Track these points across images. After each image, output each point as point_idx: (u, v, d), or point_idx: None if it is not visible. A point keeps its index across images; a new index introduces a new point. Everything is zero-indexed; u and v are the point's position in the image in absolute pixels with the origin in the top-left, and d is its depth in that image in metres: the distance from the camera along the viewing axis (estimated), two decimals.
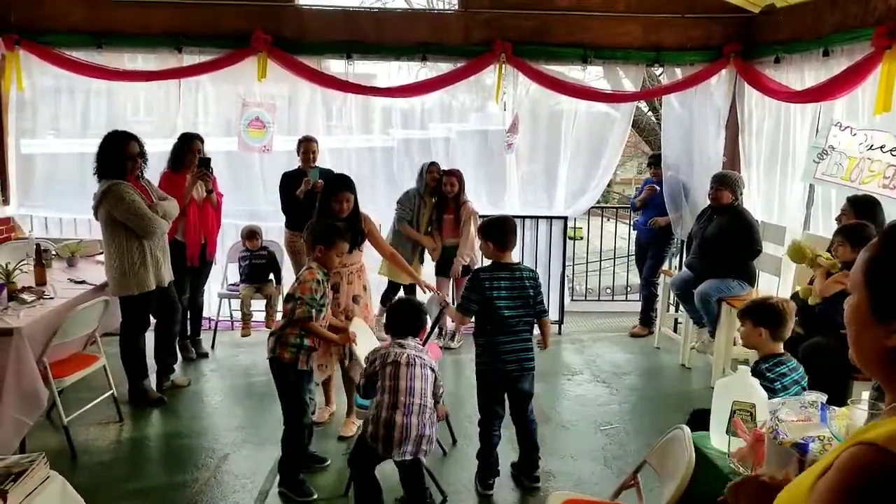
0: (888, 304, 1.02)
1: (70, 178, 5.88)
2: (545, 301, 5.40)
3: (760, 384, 2.27)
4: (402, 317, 3.32)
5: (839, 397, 2.65)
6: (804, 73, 5.09)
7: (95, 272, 4.64)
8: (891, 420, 1.00)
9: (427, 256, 5.85)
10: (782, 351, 2.84)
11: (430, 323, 4.11)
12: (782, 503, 1.10)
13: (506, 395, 3.59)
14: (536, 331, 3.63)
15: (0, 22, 5.56)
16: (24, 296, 3.90)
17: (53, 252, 4.94)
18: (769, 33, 5.59)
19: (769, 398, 2.15)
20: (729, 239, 4.92)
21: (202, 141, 5.08)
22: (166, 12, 5.66)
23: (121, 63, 5.75)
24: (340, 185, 4.09)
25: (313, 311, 3.35)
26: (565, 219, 6.34)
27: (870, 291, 1.04)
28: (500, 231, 3.50)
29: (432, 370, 3.21)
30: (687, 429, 2.33)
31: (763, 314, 2.83)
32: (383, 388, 3.09)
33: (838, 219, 4.31)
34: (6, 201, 5.88)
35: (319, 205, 4.16)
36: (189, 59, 5.72)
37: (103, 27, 5.62)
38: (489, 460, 3.59)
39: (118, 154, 4.18)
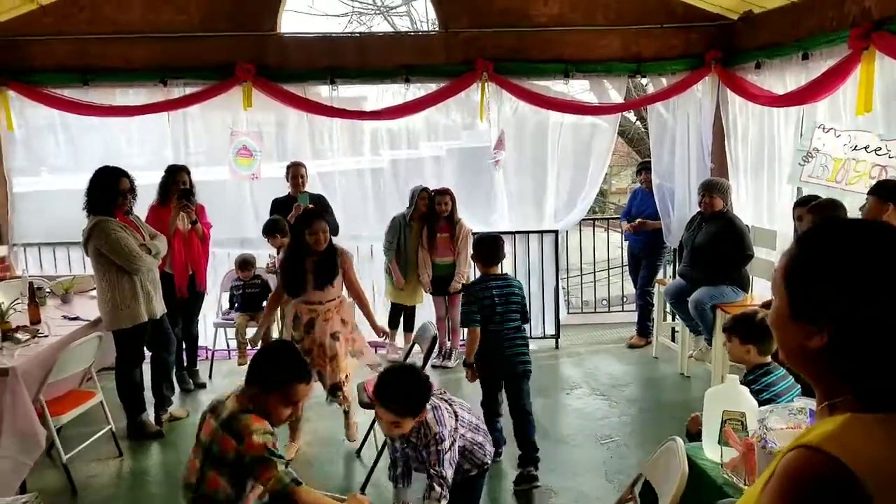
0: (805, 306, 1.03)
1: (64, 215, 5.88)
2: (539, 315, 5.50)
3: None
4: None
5: None
6: (785, 78, 5.13)
7: (89, 308, 4.65)
8: (826, 421, 1.01)
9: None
10: (769, 360, 2.84)
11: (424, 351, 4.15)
12: None
13: (504, 395, 3.91)
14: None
15: None
16: (19, 335, 3.91)
17: (47, 290, 4.95)
18: (749, 39, 5.65)
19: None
20: (720, 245, 4.95)
21: (188, 172, 5.11)
22: (150, 47, 5.71)
23: (109, 99, 5.79)
24: (314, 216, 4.10)
25: (288, 471, 2.39)
26: (556, 233, 6.37)
27: (788, 294, 1.06)
28: (486, 248, 3.91)
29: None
30: (680, 440, 2.34)
31: (750, 330, 2.83)
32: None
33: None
34: (0, 240, 5.89)
35: (292, 239, 4.14)
36: (175, 91, 5.76)
37: (89, 63, 5.67)
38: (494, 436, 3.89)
39: (107, 190, 4.21)
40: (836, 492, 0.92)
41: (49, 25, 5.63)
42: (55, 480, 3.91)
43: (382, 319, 6.08)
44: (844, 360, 1.01)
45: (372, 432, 4.27)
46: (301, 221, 4.12)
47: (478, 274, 4.22)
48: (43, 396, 3.74)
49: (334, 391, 4.08)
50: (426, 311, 5.98)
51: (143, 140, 6.10)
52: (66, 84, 5.70)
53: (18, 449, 3.50)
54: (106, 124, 5.96)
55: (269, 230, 5.32)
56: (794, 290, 1.05)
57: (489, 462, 2.94)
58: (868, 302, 0.99)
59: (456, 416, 2.78)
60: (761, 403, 2.50)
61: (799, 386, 2.79)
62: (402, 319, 5.92)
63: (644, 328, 6.31)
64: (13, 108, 5.78)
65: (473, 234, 5.80)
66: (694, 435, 2.60)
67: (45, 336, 4.05)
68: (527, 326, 6.08)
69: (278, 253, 5.45)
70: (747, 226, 5.20)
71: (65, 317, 4.50)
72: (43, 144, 6.02)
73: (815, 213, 4.05)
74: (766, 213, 5.54)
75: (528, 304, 5.78)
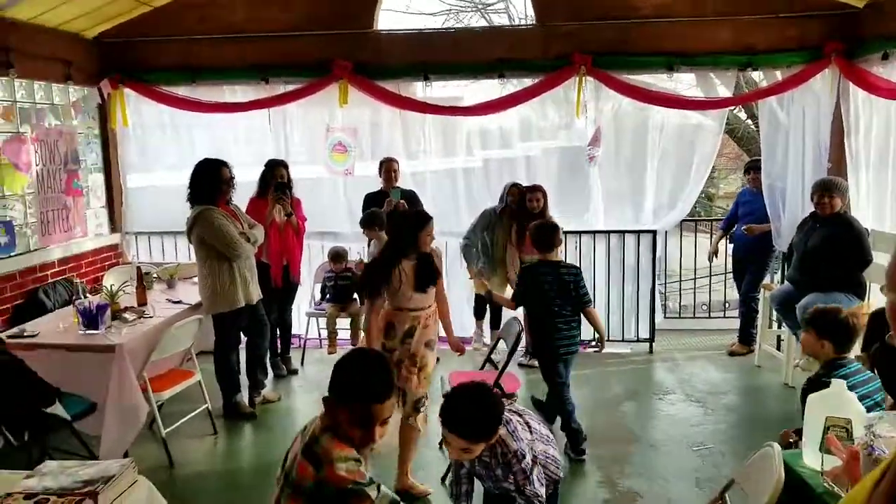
0: None
1: (173, 207, 6.20)
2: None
3: None
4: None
5: None
6: None
7: (191, 293, 4.90)
8: None
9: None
10: (845, 356, 2.73)
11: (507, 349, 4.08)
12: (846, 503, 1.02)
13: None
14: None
15: (105, 66, 6.04)
16: (126, 315, 4.18)
17: (154, 275, 5.26)
18: (875, 28, 5.19)
19: None
20: (835, 249, 4.59)
21: (286, 167, 5.29)
22: (252, 46, 5.94)
23: (215, 97, 6.08)
24: (424, 214, 3.82)
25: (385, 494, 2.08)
26: (654, 233, 6.11)
27: None
28: (538, 236, 4.17)
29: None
30: (777, 446, 2.18)
31: (827, 326, 2.76)
32: None
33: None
34: (115, 229, 6.33)
35: (393, 238, 3.81)
36: (276, 89, 5.98)
37: (195, 62, 5.98)
38: (572, 427, 4.09)
39: (208, 181, 4.42)
40: None
41: (160, 27, 5.99)
42: (155, 453, 4.14)
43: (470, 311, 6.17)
44: None
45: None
46: (409, 219, 3.77)
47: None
48: (146, 373, 3.98)
49: (417, 407, 3.65)
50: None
51: (247, 139, 6.35)
52: (175, 82, 6.05)
53: (122, 420, 3.75)
54: (212, 124, 6.26)
55: (368, 223, 5.38)
56: None
57: (562, 476, 2.76)
58: None
59: (529, 428, 2.60)
60: None
61: (878, 380, 2.69)
62: (488, 313, 5.87)
63: (747, 335, 5.95)
64: (129, 106, 6.18)
65: (564, 232, 5.70)
66: (785, 448, 2.44)
67: (151, 317, 4.32)
68: (619, 329, 6.13)
69: (369, 245, 5.55)
70: (866, 229, 4.80)
71: (169, 300, 4.77)
72: (155, 142, 6.40)
73: None
74: (890, 215, 5.08)
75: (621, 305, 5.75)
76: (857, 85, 5.28)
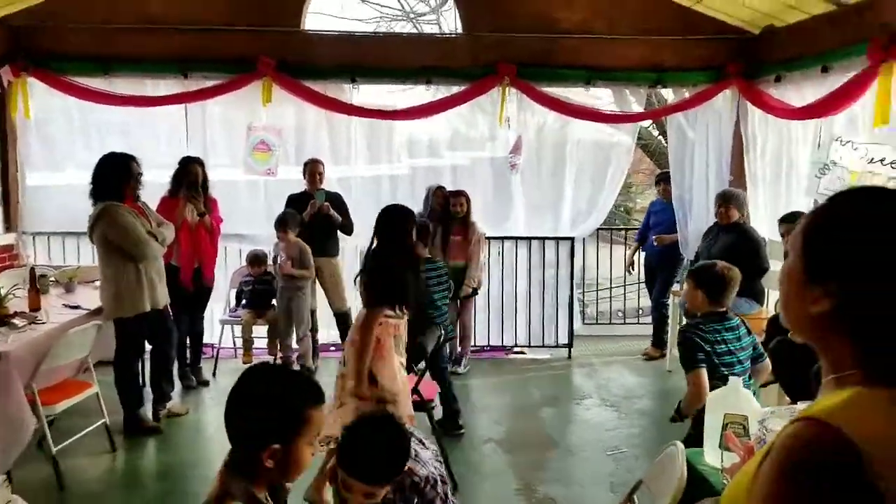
0: (820, 266, 0.99)
1: (76, 207, 5.86)
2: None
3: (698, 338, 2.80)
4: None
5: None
6: (804, 91, 5.05)
7: (92, 298, 4.60)
8: (832, 394, 0.97)
9: None
10: (724, 311, 3.01)
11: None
12: (730, 489, 1.06)
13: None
14: None
15: (8, 52, 5.64)
16: (16, 321, 3.87)
17: (52, 278, 4.93)
18: (770, 53, 5.56)
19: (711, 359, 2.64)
20: (735, 257, 4.73)
21: (202, 165, 5.09)
22: (172, 38, 5.69)
23: (130, 90, 5.77)
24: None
25: None
26: (572, 240, 6.25)
27: (805, 252, 1.02)
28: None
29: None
30: (681, 445, 2.22)
31: (703, 276, 3.03)
32: None
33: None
34: (9, 229, 5.91)
35: (392, 244, 3.32)
36: (195, 84, 5.75)
37: (110, 52, 5.68)
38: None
39: (115, 175, 4.19)
40: (838, 466, 0.86)
41: (72, 13, 5.64)
42: (43, 473, 3.78)
43: None
44: (849, 327, 0.96)
45: None
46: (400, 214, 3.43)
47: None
48: (35, 384, 3.66)
49: None
50: None
51: (166, 139, 6.07)
52: (86, 73, 5.70)
53: (5, 436, 3.42)
54: (126, 122, 5.96)
55: (281, 223, 5.26)
56: (808, 249, 1.01)
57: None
58: (874, 266, 0.94)
59: (422, 443, 2.40)
60: (716, 355, 2.86)
61: (755, 340, 3.06)
62: None
63: (659, 339, 6.17)
64: (33, 98, 5.77)
65: (486, 238, 5.76)
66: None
67: (43, 323, 4.00)
68: (539, 334, 6.20)
69: (275, 248, 5.40)
70: (764, 238, 5.09)
71: (66, 305, 4.46)
72: (61, 138, 6.02)
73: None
74: None
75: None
76: (754, 104, 5.63)
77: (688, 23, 5.83)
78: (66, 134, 6.02)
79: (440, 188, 5.71)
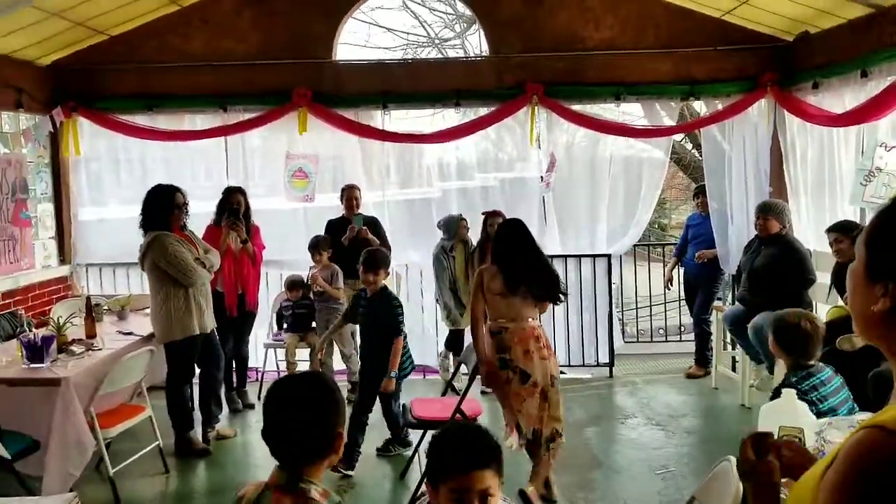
0: (880, 266, 1.03)
1: (127, 241, 6.05)
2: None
3: (799, 398, 2.15)
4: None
5: None
6: (844, 96, 4.96)
7: (143, 325, 4.76)
8: None
9: None
10: (811, 363, 2.74)
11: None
12: (795, 493, 1.05)
13: None
14: None
15: (59, 94, 5.91)
16: (74, 348, 4.02)
17: (105, 307, 5.10)
18: (805, 59, 5.50)
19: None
20: (779, 269, 4.75)
21: (243, 194, 5.24)
22: (212, 74, 5.92)
23: (173, 125, 6.00)
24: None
25: None
26: (608, 257, 6.22)
27: (868, 254, 1.06)
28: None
29: None
30: (734, 459, 2.19)
31: (786, 338, 2.76)
32: None
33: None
34: (64, 261, 6.13)
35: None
36: (234, 117, 5.95)
37: (153, 90, 5.92)
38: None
39: (161, 206, 4.35)
40: None
41: (117, 55, 5.92)
42: (102, 494, 3.93)
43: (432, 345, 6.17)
44: None
45: (417, 454, 4.20)
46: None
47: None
48: (93, 408, 3.81)
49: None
50: None
51: (206, 172, 6.31)
52: (131, 111, 5.96)
53: (66, 459, 3.57)
54: (169, 157, 6.19)
55: (314, 246, 5.43)
56: (873, 250, 1.05)
57: None
58: None
59: None
60: (810, 404, 2.44)
61: (847, 391, 2.71)
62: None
63: (703, 358, 6.06)
64: (82, 137, 6.05)
65: None
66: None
67: (99, 349, 4.16)
68: (579, 353, 6.17)
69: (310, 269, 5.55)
70: (809, 249, 4.99)
71: (119, 332, 4.62)
72: (109, 174, 6.27)
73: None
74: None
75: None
76: (792, 113, 5.55)
77: (718, 33, 5.83)
78: (112, 170, 6.27)
79: (463, 218, 5.76)
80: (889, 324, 1.00)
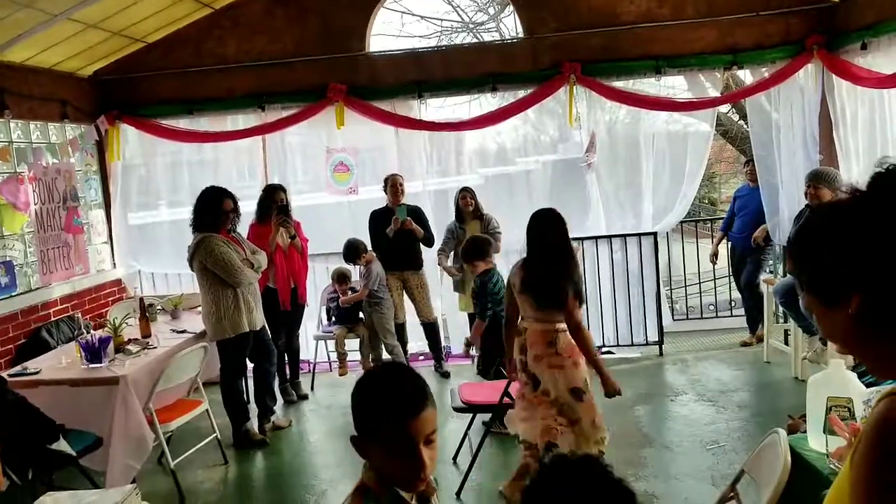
0: (827, 287, 1.02)
1: (176, 241, 6.25)
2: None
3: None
4: None
5: None
6: (894, 56, 4.74)
7: (196, 322, 4.91)
8: None
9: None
10: None
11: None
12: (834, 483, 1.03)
13: None
14: None
15: (102, 103, 6.11)
16: (130, 347, 4.18)
17: (158, 307, 5.28)
18: (853, 20, 5.27)
19: None
20: None
21: (284, 191, 5.34)
22: (249, 75, 6.03)
23: (213, 127, 6.14)
24: None
25: None
26: (655, 235, 6.12)
27: (809, 285, 1.06)
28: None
29: None
30: (783, 432, 2.16)
31: None
32: None
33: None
34: (117, 264, 6.35)
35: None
36: (272, 115, 6.04)
37: (193, 94, 6.07)
38: None
39: (211, 209, 4.46)
40: None
41: (155, 62, 6.08)
42: (165, 486, 4.10)
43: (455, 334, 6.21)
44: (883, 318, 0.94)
45: (467, 438, 4.23)
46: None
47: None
48: (152, 405, 3.96)
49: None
50: None
51: (250, 173, 6.44)
52: (172, 115, 6.13)
53: (127, 453, 3.73)
54: (213, 159, 6.35)
55: (353, 255, 5.52)
56: (811, 279, 1.03)
57: None
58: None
59: None
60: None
61: None
62: None
63: (754, 326, 5.99)
64: (126, 142, 6.26)
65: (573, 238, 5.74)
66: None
67: (155, 348, 4.32)
68: (627, 332, 6.10)
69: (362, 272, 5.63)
70: None
71: (173, 330, 4.78)
72: (155, 178, 6.47)
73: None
74: None
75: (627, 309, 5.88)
76: (840, 76, 5.35)
77: None
78: (156, 174, 6.47)
79: (463, 189, 5.80)
80: (862, 336, 0.97)
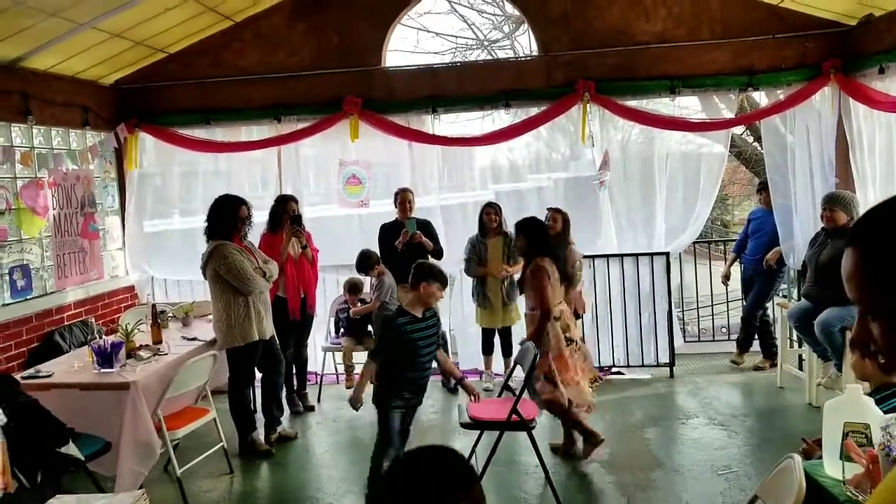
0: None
1: (190, 249, 6.27)
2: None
3: None
4: None
5: None
6: None
7: (206, 330, 4.92)
8: None
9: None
10: None
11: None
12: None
13: None
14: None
15: (122, 111, 6.19)
16: (141, 353, 4.20)
17: (170, 314, 5.30)
18: (870, 44, 5.27)
19: None
20: None
21: (296, 201, 5.37)
22: (265, 86, 6.10)
23: (230, 137, 6.21)
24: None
25: None
26: (667, 255, 6.09)
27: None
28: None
29: None
30: (798, 457, 2.13)
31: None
32: None
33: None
34: (131, 271, 6.39)
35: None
36: (288, 127, 6.10)
37: (210, 105, 6.14)
38: None
39: (226, 217, 4.49)
40: None
41: (175, 72, 6.17)
42: (170, 494, 4.08)
43: (476, 347, 6.12)
44: None
45: (474, 455, 4.20)
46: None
47: None
48: (161, 411, 3.96)
49: None
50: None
51: (263, 183, 6.49)
52: (190, 125, 6.20)
53: (135, 459, 3.74)
54: (228, 169, 6.40)
55: (365, 266, 5.50)
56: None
57: None
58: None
59: None
60: None
61: None
62: (496, 344, 5.86)
63: (768, 351, 5.97)
64: (144, 150, 6.33)
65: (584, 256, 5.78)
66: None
67: (165, 354, 4.34)
68: (639, 354, 6.06)
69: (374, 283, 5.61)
70: None
71: (184, 337, 4.80)
72: (171, 186, 6.55)
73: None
74: None
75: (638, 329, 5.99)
76: (857, 100, 5.33)
77: (776, 21, 5.64)
78: (171, 183, 6.53)
79: (489, 204, 5.78)
80: None
